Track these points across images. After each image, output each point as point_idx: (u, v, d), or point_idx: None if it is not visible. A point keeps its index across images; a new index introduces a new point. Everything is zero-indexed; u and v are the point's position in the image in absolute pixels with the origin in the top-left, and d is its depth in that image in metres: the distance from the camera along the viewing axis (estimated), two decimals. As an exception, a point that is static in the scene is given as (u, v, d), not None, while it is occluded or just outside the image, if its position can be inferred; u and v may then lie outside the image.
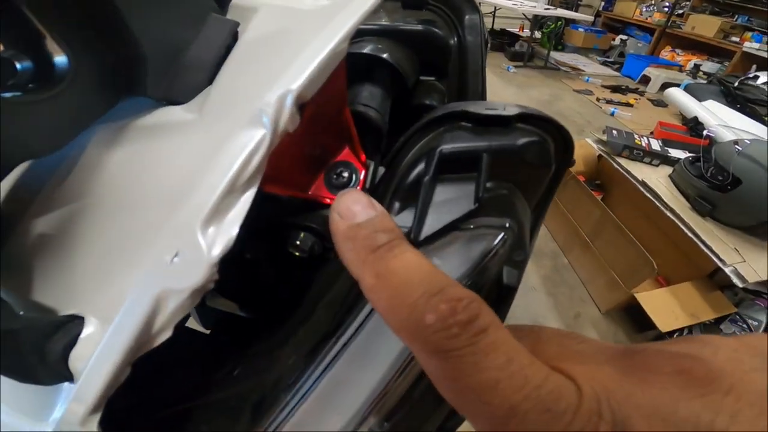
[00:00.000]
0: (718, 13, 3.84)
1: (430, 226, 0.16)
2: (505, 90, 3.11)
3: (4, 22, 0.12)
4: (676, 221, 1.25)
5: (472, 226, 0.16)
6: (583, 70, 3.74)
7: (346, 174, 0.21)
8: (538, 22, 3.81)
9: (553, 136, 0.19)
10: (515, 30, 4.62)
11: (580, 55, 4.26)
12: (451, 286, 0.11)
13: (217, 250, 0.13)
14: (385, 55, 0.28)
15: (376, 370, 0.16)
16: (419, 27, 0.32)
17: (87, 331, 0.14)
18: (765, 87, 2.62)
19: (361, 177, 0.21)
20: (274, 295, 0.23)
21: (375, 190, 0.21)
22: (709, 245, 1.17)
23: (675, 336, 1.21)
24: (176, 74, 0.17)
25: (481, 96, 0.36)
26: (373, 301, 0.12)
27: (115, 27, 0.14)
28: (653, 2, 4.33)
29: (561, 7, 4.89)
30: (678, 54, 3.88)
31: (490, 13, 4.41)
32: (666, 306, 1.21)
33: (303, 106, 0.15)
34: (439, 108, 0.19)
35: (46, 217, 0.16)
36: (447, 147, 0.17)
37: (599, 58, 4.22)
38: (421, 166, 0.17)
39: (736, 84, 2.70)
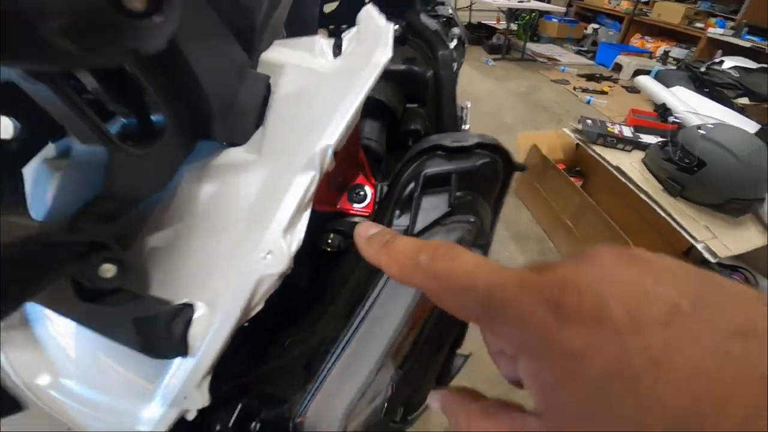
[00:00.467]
0: (683, 0, 3.97)
1: (421, 224, 0.25)
2: (485, 83, 3.17)
3: (114, 82, 0.16)
4: (650, 202, 1.34)
5: (448, 222, 0.25)
6: (559, 60, 3.84)
7: (362, 192, 0.30)
8: (513, 14, 3.87)
9: (501, 156, 0.27)
10: (492, 22, 4.68)
11: (555, 45, 4.36)
12: (432, 242, 0.17)
13: (293, 249, 0.21)
14: (382, 98, 0.36)
15: (390, 324, 0.25)
16: (403, 67, 0.41)
17: (197, 314, 0.20)
18: (731, 71, 2.77)
19: (371, 194, 0.30)
20: (312, 282, 0.31)
21: (381, 204, 0.29)
22: (681, 224, 1.26)
23: None
24: (232, 121, 0.22)
25: (454, 117, 0.45)
26: (388, 272, 0.17)
27: (192, 87, 0.18)
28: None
29: None
30: (647, 41, 4.00)
31: (467, 7, 4.47)
32: None
33: (335, 152, 0.22)
34: (422, 142, 0.26)
35: (156, 235, 0.21)
36: (428, 171, 0.25)
37: (573, 48, 4.33)
38: (412, 185, 0.25)
39: (703, 69, 2.83)
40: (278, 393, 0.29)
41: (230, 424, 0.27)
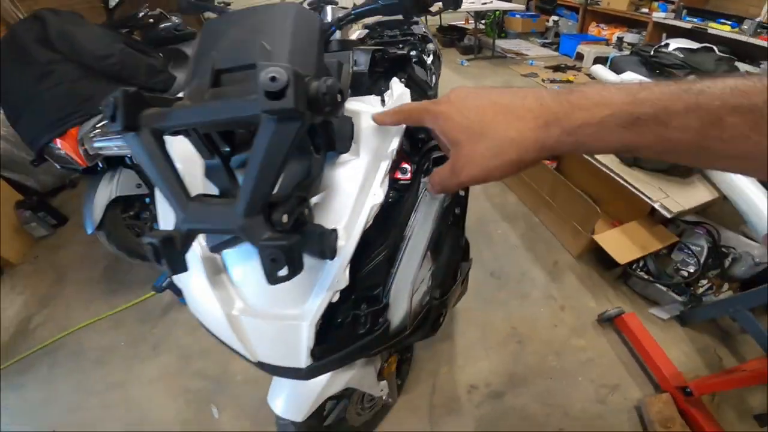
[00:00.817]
0: None
1: None
2: (462, 84, 3.48)
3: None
4: (611, 174, 1.61)
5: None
6: (527, 54, 4.17)
7: (406, 168, 0.56)
8: (479, 14, 4.15)
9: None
10: (461, 23, 5.01)
11: (522, 40, 4.70)
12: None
13: (384, 194, 0.49)
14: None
15: (424, 233, 0.55)
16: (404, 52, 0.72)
17: (339, 233, 0.45)
18: (676, 53, 3.09)
19: (410, 169, 0.56)
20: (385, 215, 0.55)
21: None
22: (639, 189, 1.53)
23: (633, 267, 1.54)
24: (342, 141, 0.48)
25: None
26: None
27: (330, 131, 0.47)
28: None
29: None
30: (603, 29, 4.34)
31: (437, 13, 4.78)
32: (620, 243, 1.56)
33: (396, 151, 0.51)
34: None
35: (319, 195, 0.48)
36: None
37: (539, 41, 4.67)
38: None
39: (652, 53, 3.15)
40: (376, 281, 0.54)
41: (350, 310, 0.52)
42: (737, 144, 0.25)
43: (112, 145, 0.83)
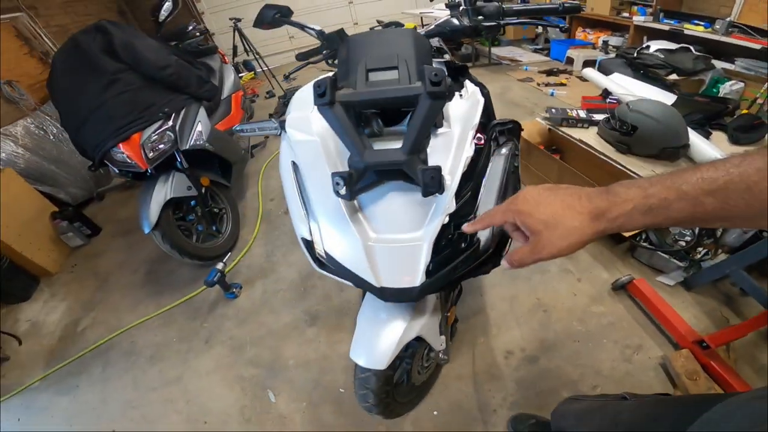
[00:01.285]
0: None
1: None
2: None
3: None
4: (608, 161, 1.83)
5: None
6: (521, 61, 4.43)
7: (480, 137, 0.81)
8: None
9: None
10: None
11: (515, 47, 4.97)
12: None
13: (473, 150, 0.75)
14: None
15: (497, 175, 0.80)
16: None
17: (444, 173, 0.67)
18: (657, 53, 3.33)
19: (484, 138, 0.82)
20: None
21: None
22: (635, 172, 1.73)
23: (638, 239, 1.73)
24: (438, 119, 0.74)
25: None
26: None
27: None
28: None
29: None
30: (588, 33, 4.58)
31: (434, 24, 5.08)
32: None
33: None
34: None
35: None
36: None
37: (530, 47, 4.93)
38: None
39: (635, 54, 3.39)
40: (467, 210, 0.72)
41: (452, 237, 0.69)
42: (718, 213, 0.37)
43: (255, 127, 1.01)
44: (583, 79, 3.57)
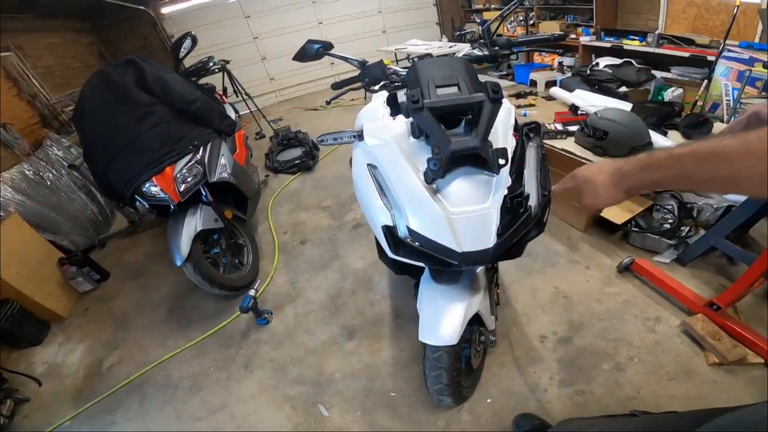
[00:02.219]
0: (555, 17, 4.88)
1: None
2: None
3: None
4: (590, 163, 2.10)
5: None
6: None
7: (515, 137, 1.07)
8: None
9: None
10: None
11: (482, 75, 5.42)
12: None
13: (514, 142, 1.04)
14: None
15: (533, 161, 1.05)
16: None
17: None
18: (606, 69, 3.77)
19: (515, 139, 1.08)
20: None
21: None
22: None
23: (629, 225, 1.98)
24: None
25: None
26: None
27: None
28: (513, 19, 5.56)
29: (453, 39, 6.05)
30: (545, 56, 5.15)
31: (406, 58, 5.43)
32: (612, 211, 2.00)
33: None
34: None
35: None
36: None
37: (496, 74, 5.42)
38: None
39: (588, 71, 3.85)
40: (517, 186, 0.93)
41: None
42: (695, 172, 0.48)
43: (335, 137, 1.14)
44: (548, 98, 4.00)
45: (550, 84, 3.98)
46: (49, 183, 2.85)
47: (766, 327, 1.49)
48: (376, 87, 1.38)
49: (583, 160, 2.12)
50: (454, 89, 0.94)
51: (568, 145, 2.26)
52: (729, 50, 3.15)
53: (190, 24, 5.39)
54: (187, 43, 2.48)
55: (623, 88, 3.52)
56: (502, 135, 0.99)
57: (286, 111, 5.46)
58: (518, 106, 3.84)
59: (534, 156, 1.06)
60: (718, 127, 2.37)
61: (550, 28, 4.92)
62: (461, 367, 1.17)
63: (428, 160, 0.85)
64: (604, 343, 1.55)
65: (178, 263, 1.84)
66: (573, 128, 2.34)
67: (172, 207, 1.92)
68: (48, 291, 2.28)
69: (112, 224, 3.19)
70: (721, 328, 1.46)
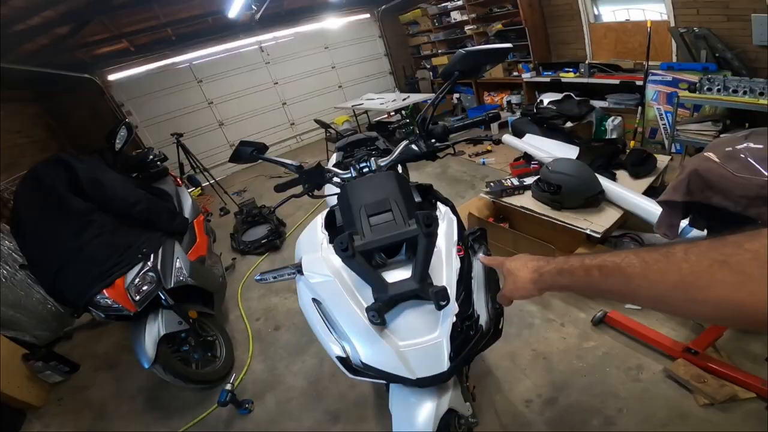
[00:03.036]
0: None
1: None
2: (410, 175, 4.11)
3: None
4: (549, 218, 2.12)
5: None
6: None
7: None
8: (399, 109, 4.92)
9: None
10: (385, 117, 5.82)
11: (439, 122, 5.62)
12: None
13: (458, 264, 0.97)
14: None
15: (481, 275, 1.04)
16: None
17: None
18: (550, 106, 3.89)
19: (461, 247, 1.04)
20: None
21: None
22: (571, 223, 2.03)
23: None
24: None
25: None
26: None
27: None
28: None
29: (406, 90, 6.28)
30: (493, 96, 5.42)
31: (364, 112, 5.61)
32: None
33: None
34: None
35: None
36: None
37: (452, 119, 5.64)
38: None
39: (535, 110, 3.99)
40: (467, 306, 0.91)
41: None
42: (602, 284, 0.50)
43: (275, 275, 1.07)
44: (503, 143, 4.10)
45: (503, 126, 4.11)
46: (3, 280, 2.71)
47: (750, 359, 1.53)
48: (319, 192, 1.39)
49: (544, 217, 2.17)
50: (388, 215, 0.95)
51: (527, 201, 2.32)
52: (653, 73, 3.41)
53: (141, 91, 5.21)
54: (123, 132, 2.31)
55: (568, 123, 3.69)
56: (445, 256, 0.97)
57: (251, 180, 5.32)
58: (476, 154, 3.95)
59: (482, 270, 1.04)
60: (661, 160, 2.52)
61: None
62: None
63: (367, 311, 0.84)
64: (589, 398, 1.56)
65: (146, 366, 1.79)
66: (529, 181, 2.41)
67: (131, 314, 1.84)
68: (17, 383, 2.25)
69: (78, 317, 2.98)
70: (705, 370, 1.48)
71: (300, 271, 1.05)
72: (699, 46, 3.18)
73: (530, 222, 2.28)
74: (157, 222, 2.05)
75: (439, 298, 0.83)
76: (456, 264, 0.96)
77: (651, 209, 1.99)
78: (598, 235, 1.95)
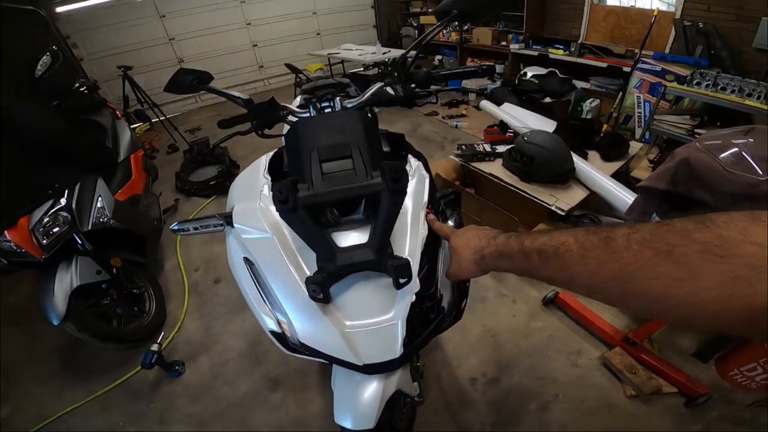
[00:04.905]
0: (488, 23, 4.91)
1: None
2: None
3: None
4: (516, 189, 2.06)
5: None
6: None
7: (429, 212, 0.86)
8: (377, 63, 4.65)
9: None
10: (361, 70, 5.45)
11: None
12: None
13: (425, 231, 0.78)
14: None
15: None
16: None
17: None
18: (533, 79, 3.85)
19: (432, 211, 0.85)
20: None
21: None
22: (537, 197, 1.97)
23: None
24: None
25: None
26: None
27: None
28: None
29: (387, 45, 5.95)
30: (476, 62, 5.22)
31: (340, 62, 5.21)
32: None
33: None
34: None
35: None
36: None
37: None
38: None
39: (517, 81, 3.91)
40: (430, 284, 0.79)
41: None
42: (542, 268, 0.47)
43: (196, 225, 0.85)
44: (479, 108, 3.99)
45: (482, 92, 3.99)
46: None
47: (677, 353, 1.58)
48: (270, 130, 1.13)
49: (511, 188, 2.09)
50: (347, 163, 0.74)
51: (496, 169, 2.22)
52: (643, 61, 3.35)
53: (93, 24, 4.71)
54: (45, 59, 1.99)
55: (547, 99, 3.62)
56: (411, 220, 0.78)
57: (207, 119, 4.92)
58: (450, 116, 3.81)
59: None
60: (634, 146, 2.49)
61: (483, 34, 5.00)
62: None
63: (307, 283, 0.66)
64: (530, 382, 1.57)
65: (55, 323, 1.56)
66: (501, 149, 2.30)
67: (41, 261, 1.58)
68: None
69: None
70: (638, 361, 1.51)
71: (230, 223, 0.84)
72: (697, 41, 3.16)
73: (496, 190, 2.19)
74: (76, 156, 1.79)
75: (399, 273, 0.65)
76: (423, 231, 0.77)
77: (619, 194, 1.97)
78: (563, 213, 1.91)
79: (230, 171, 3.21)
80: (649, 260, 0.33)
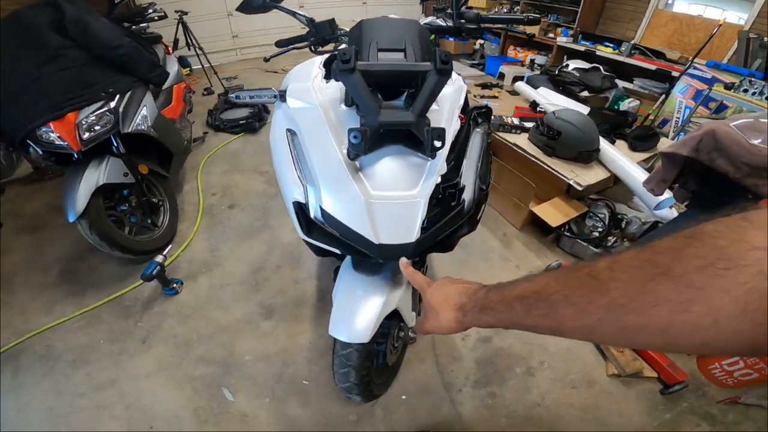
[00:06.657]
0: (539, 14, 4.81)
1: None
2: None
3: None
4: (537, 162, 2.06)
5: None
6: (459, 74, 4.75)
7: (462, 116, 1.00)
8: None
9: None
10: None
11: (455, 62, 5.31)
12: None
13: (458, 125, 0.91)
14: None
15: (476, 149, 0.96)
16: None
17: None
18: (573, 72, 3.80)
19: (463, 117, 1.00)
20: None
21: None
22: (559, 171, 1.97)
23: (563, 229, 1.98)
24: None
25: None
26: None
27: None
28: (496, 10, 5.49)
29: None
30: (518, 51, 5.09)
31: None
32: (550, 213, 1.99)
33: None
34: None
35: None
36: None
37: (468, 62, 5.33)
38: None
39: (557, 72, 3.84)
40: (454, 175, 0.83)
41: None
42: (525, 319, 0.42)
43: (253, 94, 0.99)
44: (513, 93, 3.90)
45: (517, 79, 3.94)
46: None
47: None
48: (324, 48, 1.24)
49: (532, 158, 2.09)
50: (400, 55, 0.81)
51: (521, 141, 2.22)
52: (695, 68, 3.24)
53: None
54: None
55: (585, 93, 3.54)
56: (447, 113, 0.87)
57: (245, 70, 5.04)
58: (482, 96, 3.77)
59: (478, 144, 0.97)
60: (663, 142, 2.43)
61: (531, 24, 4.84)
62: (372, 365, 1.07)
63: (349, 131, 0.71)
64: (521, 346, 1.57)
65: (71, 219, 1.64)
66: (529, 124, 2.29)
67: (75, 156, 1.69)
68: None
69: (17, 168, 2.78)
70: None
71: (282, 97, 0.94)
72: (758, 55, 3.08)
73: (516, 161, 2.20)
74: (135, 69, 1.89)
75: (435, 136, 0.72)
76: (455, 126, 0.87)
77: (640, 178, 1.93)
78: (581, 188, 1.90)
79: (260, 114, 3.30)
80: (642, 287, 0.30)
